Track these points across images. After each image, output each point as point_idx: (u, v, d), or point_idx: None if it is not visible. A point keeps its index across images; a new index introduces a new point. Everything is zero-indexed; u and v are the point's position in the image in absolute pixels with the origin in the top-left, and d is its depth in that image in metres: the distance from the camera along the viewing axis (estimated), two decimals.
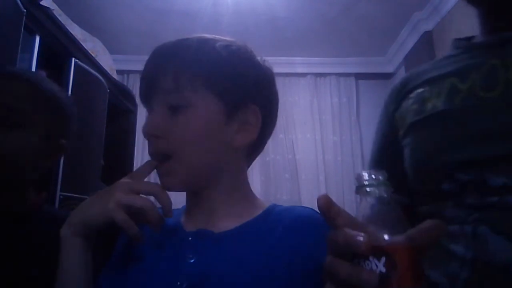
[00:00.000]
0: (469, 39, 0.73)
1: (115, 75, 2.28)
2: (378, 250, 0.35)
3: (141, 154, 2.88)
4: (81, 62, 1.70)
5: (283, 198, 3.33)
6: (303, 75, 3.62)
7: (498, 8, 0.67)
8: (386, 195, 0.38)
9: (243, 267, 0.53)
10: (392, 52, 3.45)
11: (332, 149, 3.47)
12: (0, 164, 0.73)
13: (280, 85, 2.04)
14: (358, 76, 3.67)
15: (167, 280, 0.54)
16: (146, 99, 0.63)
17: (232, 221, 0.59)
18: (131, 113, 2.30)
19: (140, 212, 0.54)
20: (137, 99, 1.62)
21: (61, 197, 1.47)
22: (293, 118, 3.53)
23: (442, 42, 2.71)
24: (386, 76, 3.61)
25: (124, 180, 0.57)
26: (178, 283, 0.53)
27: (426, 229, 0.36)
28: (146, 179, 0.59)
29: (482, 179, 0.57)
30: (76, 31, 1.92)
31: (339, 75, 3.64)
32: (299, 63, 3.56)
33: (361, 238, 0.35)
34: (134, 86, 3.33)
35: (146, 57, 0.63)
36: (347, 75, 3.65)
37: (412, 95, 0.72)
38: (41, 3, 1.46)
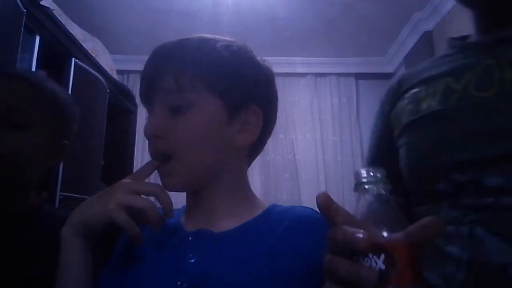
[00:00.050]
0: (464, 38, 0.73)
1: (115, 75, 2.28)
2: (377, 247, 0.35)
3: (141, 154, 2.89)
4: (81, 62, 1.70)
5: (283, 198, 3.33)
6: (303, 75, 3.62)
7: (493, 9, 0.67)
8: (384, 193, 0.38)
9: (243, 267, 0.53)
10: (392, 52, 3.45)
11: (332, 149, 3.47)
12: (1, 165, 0.73)
13: (280, 85, 2.05)
14: (358, 76, 3.67)
15: (167, 280, 0.54)
16: (146, 99, 0.63)
17: (232, 221, 0.59)
18: (131, 113, 2.31)
19: (140, 212, 0.54)
20: (137, 99, 1.62)
21: (61, 197, 1.47)
22: (293, 118, 3.53)
23: (442, 42, 2.70)
24: (386, 76, 3.60)
25: (125, 180, 0.57)
26: (178, 283, 0.53)
27: (424, 226, 0.36)
28: (146, 180, 0.60)
29: (477, 179, 0.56)
30: (76, 31, 1.92)
31: (339, 75, 3.64)
32: (299, 63, 3.56)
33: (360, 235, 0.35)
34: (134, 86, 3.32)
35: (146, 57, 0.63)
36: (347, 75, 3.65)
37: (408, 95, 0.72)
38: (41, 3, 1.46)
